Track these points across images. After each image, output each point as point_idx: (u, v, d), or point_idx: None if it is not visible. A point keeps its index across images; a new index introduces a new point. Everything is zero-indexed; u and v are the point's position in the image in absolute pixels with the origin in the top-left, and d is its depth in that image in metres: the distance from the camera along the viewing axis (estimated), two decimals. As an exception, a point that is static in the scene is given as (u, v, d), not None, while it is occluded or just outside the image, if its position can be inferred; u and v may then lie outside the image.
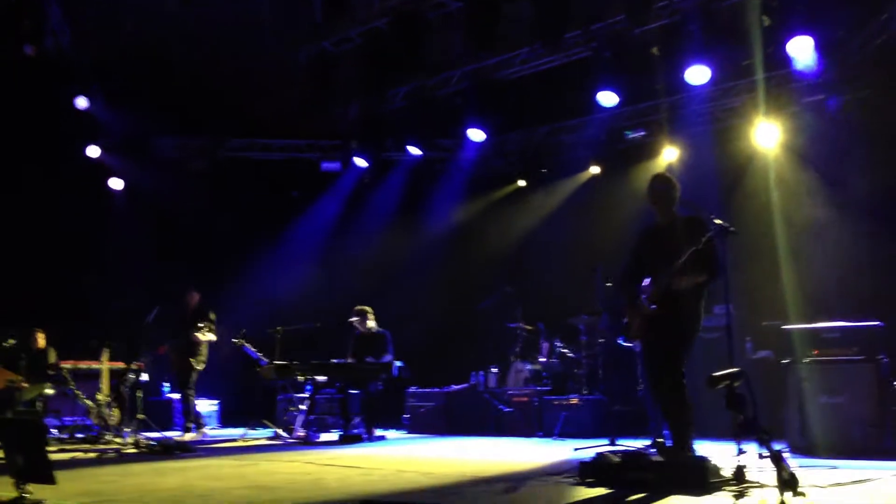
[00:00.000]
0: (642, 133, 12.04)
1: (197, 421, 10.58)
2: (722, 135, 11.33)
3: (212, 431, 11.94)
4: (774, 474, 2.45)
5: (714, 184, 10.76)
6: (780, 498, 2.43)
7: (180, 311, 10.65)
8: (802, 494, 2.37)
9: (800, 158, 10.48)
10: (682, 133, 11.48)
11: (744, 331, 9.16)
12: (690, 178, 10.68)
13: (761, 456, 2.43)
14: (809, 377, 7.21)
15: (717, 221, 5.66)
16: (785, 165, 10.57)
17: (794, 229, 9.88)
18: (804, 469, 5.92)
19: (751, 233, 9.86)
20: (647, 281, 6.03)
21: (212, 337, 10.48)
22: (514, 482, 5.70)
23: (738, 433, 5.10)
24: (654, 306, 5.74)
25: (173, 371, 10.61)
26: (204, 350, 10.52)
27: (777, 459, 2.37)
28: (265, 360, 10.02)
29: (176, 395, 10.64)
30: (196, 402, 10.88)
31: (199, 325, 10.30)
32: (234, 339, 10.16)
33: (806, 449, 7.00)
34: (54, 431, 10.55)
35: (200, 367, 10.42)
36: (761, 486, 4.66)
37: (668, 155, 11.62)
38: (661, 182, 6.03)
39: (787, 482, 2.34)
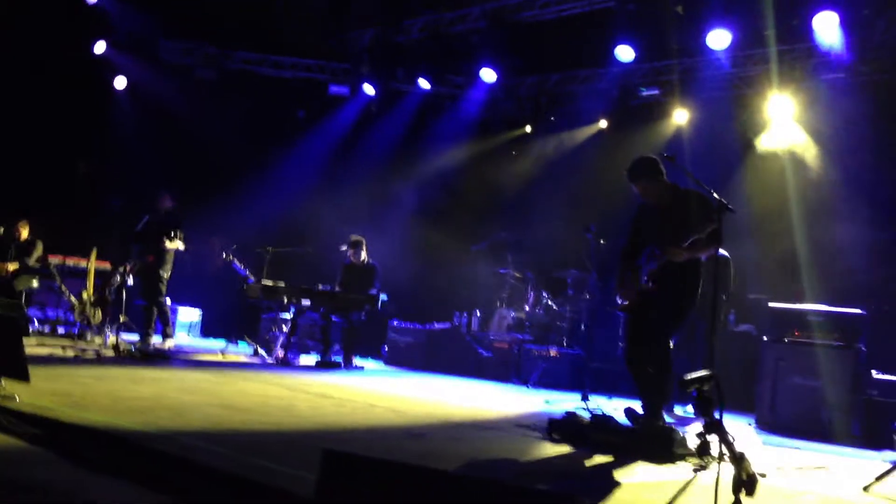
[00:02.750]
0: (655, 92, 11.88)
1: (165, 331, 10.42)
2: (735, 103, 11.19)
3: (192, 341, 12.04)
4: (742, 456, 2.47)
5: (721, 152, 10.67)
6: (742, 480, 2.44)
7: (154, 216, 10.21)
8: (754, 494, 2.41)
9: (811, 135, 10.37)
10: (695, 97, 11.33)
11: (729, 303, 9.18)
12: (699, 143, 10.61)
13: (722, 457, 2.46)
14: (787, 356, 7.25)
15: (716, 197, 5.59)
16: (795, 141, 10.46)
17: (798, 207, 9.83)
18: (768, 447, 6.03)
19: (752, 205, 9.85)
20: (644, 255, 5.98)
21: (179, 245, 10.09)
22: (481, 429, 5.77)
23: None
24: (651, 283, 5.69)
25: (139, 277, 10.17)
26: (170, 258, 10.19)
27: (738, 462, 2.40)
28: (252, 278, 10.03)
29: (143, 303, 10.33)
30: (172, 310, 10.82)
31: (171, 233, 10.00)
32: (223, 254, 10.13)
33: (773, 426, 7.10)
34: (36, 324, 10.63)
35: (166, 275, 10.14)
36: (722, 460, 4.74)
37: (679, 117, 11.49)
38: (644, 171, 5.87)
39: (741, 484, 2.36)
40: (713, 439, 3.45)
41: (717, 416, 2.65)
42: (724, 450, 2.54)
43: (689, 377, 2.76)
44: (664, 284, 5.65)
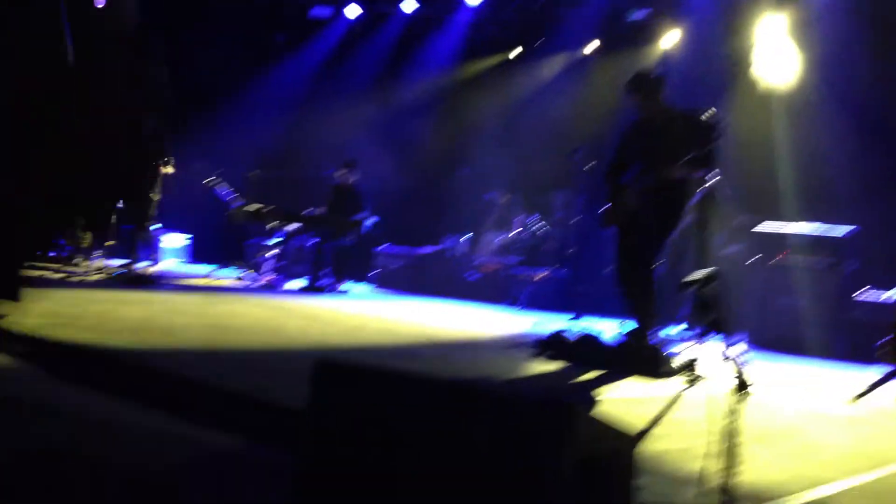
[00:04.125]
0: (647, 12, 11.64)
1: (152, 255, 10.32)
2: (727, 21, 10.97)
3: (181, 267, 12.00)
4: (729, 372, 2.49)
5: (715, 72, 10.53)
6: (730, 395, 2.47)
7: None
8: (748, 394, 2.44)
9: (802, 56, 10.23)
10: (685, 19, 11.12)
11: (718, 225, 9.18)
12: (691, 64, 10.47)
13: (725, 357, 2.47)
14: (773, 278, 7.32)
15: (712, 111, 5.52)
16: (789, 58, 10.31)
17: (786, 129, 9.76)
18: (758, 362, 6.11)
19: (745, 125, 9.77)
20: (626, 177, 5.94)
21: (171, 170, 9.92)
22: (471, 349, 5.81)
23: (692, 323, 5.19)
24: (637, 202, 5.66)
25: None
26: (160, 181, 10.00)
27: (736, 364, 2.41)
28: (239, 202, 9.93)
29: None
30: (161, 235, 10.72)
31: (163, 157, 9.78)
32: (208, 179, 10.00)
33: (761, 343, 7.18)
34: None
35: (156, 197, 9.95)
36: (710, 377, 4.81)
37: (668, 40, 11.30)
38: (646, 81, 5.79)
39: (741, 386, 2.38)
40: (704, 353, 3.47)
41: (719, 315, 2.65)
42: (724, 351, 2.55)
43: (689, 278, 2.75)
44: (651, 204, 5.62)
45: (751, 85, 10.53)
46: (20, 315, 4.75)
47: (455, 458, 2.04)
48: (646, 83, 5.75)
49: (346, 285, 10.40)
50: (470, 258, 11.14)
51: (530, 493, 1.91)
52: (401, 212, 12.31)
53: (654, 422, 3.62)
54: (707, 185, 5.94)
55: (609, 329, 6.13)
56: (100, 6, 9.84)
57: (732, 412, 2.44)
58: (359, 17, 12.65)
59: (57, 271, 8.46)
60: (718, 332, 2.66)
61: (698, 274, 2.72)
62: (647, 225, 5.65)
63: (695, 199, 7.00)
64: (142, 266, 9.48)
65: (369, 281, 11.61)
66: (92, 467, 2.51)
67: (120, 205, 9.64)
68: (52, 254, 10.12)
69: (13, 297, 4.60)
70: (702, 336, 3.04)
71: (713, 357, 3.47)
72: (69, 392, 3.55)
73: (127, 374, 3.74)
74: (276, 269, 10.07)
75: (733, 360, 2.48)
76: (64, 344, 4.12)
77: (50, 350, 4.11)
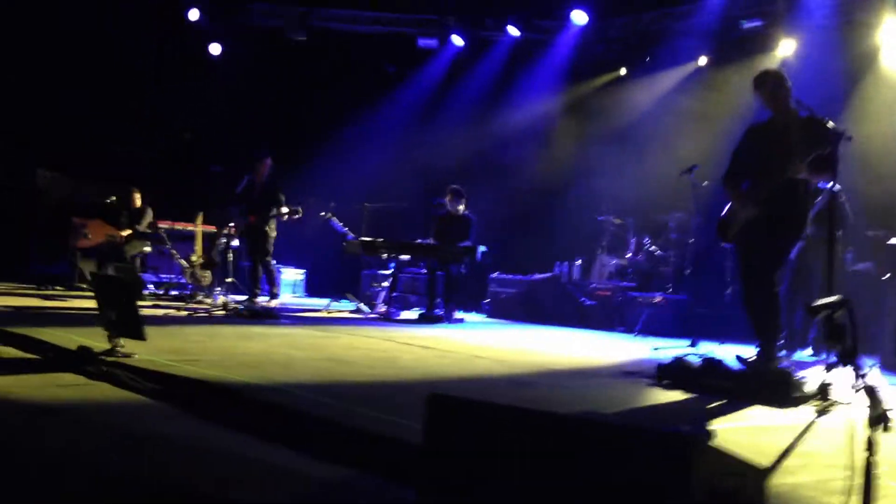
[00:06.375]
0: (758, 23, 11.26)
1: (272, 290, 10.58)
2: (845, 29, 10.50)
3: (297, 300, 12.34)
4: (864, 400, 2.32)
5: (833, 82, 10.06)
6: (866, 424, 2.30)
7: (254, 177, 10.11)
8: (891, 429, 2.25)
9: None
10: (801, 25, 10.70)
11: (847, 240, 8.73)
12: (807, 75, 10.03)
13: (856, 389, 2.31)
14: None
15: (832, 125, 5.27)
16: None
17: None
18: (893, 389, 5.72)
19: (866, 137, 9.27)
20: (745, 185, 5.71)
21: (287, 211, 9.83)
22: (587, 377, 5.68)
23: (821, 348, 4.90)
24: (756, 209, 5.43)
25: (245, 238, 10.23)
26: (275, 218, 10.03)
27: (872, 394, 2.24)
28: (352, 234, 10.14)
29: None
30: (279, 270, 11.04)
31: (281, 199, 9.94)
32: (321, 213, 10.27)
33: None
34: (151, 287, 11.10)
35: (273, 234, 10.16)
36: (842, 403, 4.53)
37: (785, 48, 10.89)
38: (773, 76, 5.62)
39: (879, 418, 2.21)
40: (838, 377, 3.27)
41: (850, 345, 2.48)
42: (856, 382, 2.38)
43: (819, 302, 2.59)
44: (771, 212, 5.36)
45: (876, 92, 10.02)
46: (148, 352, 4.97)
47: (574, 492, 1.98)
48: (771, 78, 5.55)
49: (460, 314, 10.42)
50: (584, 283, 10.97)
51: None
52: (512, 238, 12.27)
53: (785, 453, 3.42)
54: (831, 191, 5.66)
55: (730, 354, 5.88)
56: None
57: (869, 443, 2.27)
58: (465, 45, 12.77)
59: (181, 309, 8.84)
60: (850, 358, 2.49)
61: (829, 298, 2.56)
62: (767, 237, 5.39)
63: (817, 208, 6.68)
64: (261, 301, 9.81)
65: (482, 309, 11.59)
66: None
67: (236, 243, 10.01)
68: (174, 292, 10.61)
69: (137, 335, 4.82)
70: (832, 361, 2.87)
71: (846, 382, 3.26)
72: (194, 426, 3.67)
73: (248, 408, 3.84)
74: (389, 300, 10.19)
75: (868, 386, 2.31)
76: (190, 379, 4.27)
77: (176, 385, 4.27)
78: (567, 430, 2.09)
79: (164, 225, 11.17)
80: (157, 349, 5.20)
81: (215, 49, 13.70)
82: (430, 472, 2.12)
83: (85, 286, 10.10)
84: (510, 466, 2.02)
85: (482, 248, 10.22)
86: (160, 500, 2.63)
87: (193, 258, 10.38)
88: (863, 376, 2.43)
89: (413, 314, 10.31)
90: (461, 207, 10.37)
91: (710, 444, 1.99)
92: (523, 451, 2.03)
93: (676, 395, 4.88)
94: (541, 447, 2.05)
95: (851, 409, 4.28)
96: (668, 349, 7.47)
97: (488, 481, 2.02)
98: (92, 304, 5.49)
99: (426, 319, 9.78)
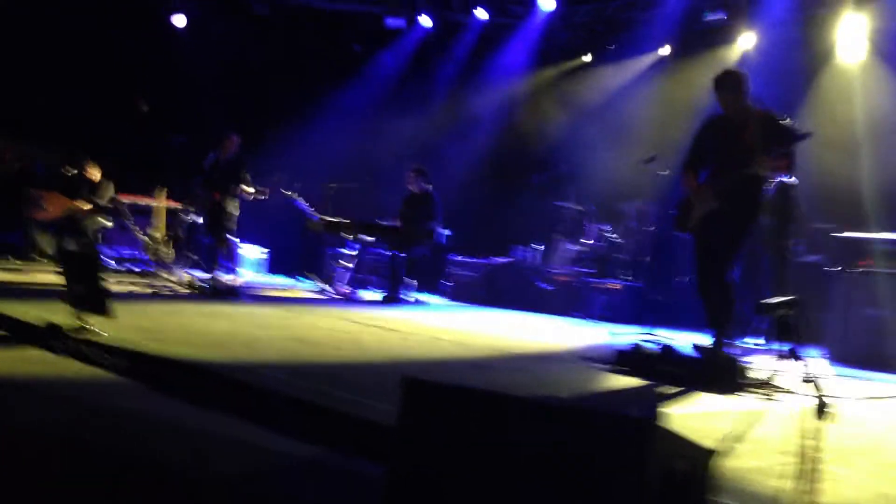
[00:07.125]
0: (721, 15, 11.45)
1: (233, 267, 10.53)
2: (806, 24, 10.73)
3: (260, 278, 12.33)
4: (810, 388, 2.49)
5: (792, 76, 10.30)
6: (810, 411, 2.47)
7: (220, 154, 9.99)
8: (831, 419, 2.42)
9: (883, 57, 9.93)
10: (762, 19, 10.91)
11: (797, 232, 8.98)
12: (767, 68, 10.25)
13: (806, 373, 2.46)
14: (857, 287, 7.12)
15: (789, 122, 5.47)
16: (868, 62, 10.04)
17: (866, 133, 9.49)
18: (840, 378, 5.97)
19: (819, 130, 9.52)
20: (703, 176, 5.89)
21: (251, 190, 9.85)
22: (546, 362, 5.85)
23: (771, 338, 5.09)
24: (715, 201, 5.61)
25: (206, 214, 10.05)
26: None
27: (817, 384, 2.41)
28: (317, 215, 10.16)
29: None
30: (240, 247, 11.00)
31: (246, 177, 9.96)
32: (286, 192, 10.26)
33: (845, 358, 6.98)
34: (111, 262, 10.99)
35: (236, 211, 10.09)
36: (789, 392, 4.75)
37: (745, 41, 11.10)
38: (734, 78, 5.77)
39: (822, 407, 2.38)
40: (787, 367, 3.44)
41: (797, 342, 2.65)
42: (804, 372, 2.54)
43: (770, 301, 2.75)
44: (727, 205, 5.54)
45: (831, 86, 10.28)
46: (116, 330, 5.00)
47: (537, 474, 2.10)
48: (731, 79, 5.72)
49: (421, 296, 10.52)
50: (542, 268, 11.13)
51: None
52: (473, 221, 12.38)
53: (732, 437, 3.60)
54: (781, 182, 5.85)
55: (684, 340, 6.09)
56: None
57: (812, 430, 2.44)
58: (432, 27, 12.80)
59: (145, 286, 8.82)
60: (798, 349, 2.66)
61: (779, 298, 2.72)
62: (723, 228, 5.56)
63: (770, 195, 6.84)
64: (226, 279, 9.80)
65: (442, 292, 11.71)
66: (187, 481, 2.67)
67: (199, 219, 9.96)
68: (136, 269, 10.54)
69: (101, 311, 4.84)
70: (782, 351, 3.04)
71: (793, 370, 3.43)
72: (165, 403, 3.74)
73: (217, 386, 3.92)
74: (351, 281, 10.25)
75: (814, 376, 2.48)
76: (159, 357, 4.33)
77: (144, 363, 4.32)
78: (530, 413, 2.21)
79: (125, 199, 11.03)
80: (123, 326, 5.22)
81: (179, 20, 13.53)
82: (403, 452, 2.24)
83: (41, 258, 9.97)
84: (479, 448, 2.14)
85: (446, 232, 10.32)
86: (135, 472, 2.71)
87: (156, 234, 10.31)
88: (811, 361, 2.60)
89: (376, 295, 10.39)
90: (424, 184, 10.37)
91: (663, 427, 2.10)
92: (492, 433, 2.16)
93: (633, 381, 5.06)
94: (507, 430, 2.17)
95: (799, 398, 4.48)
96: (624, 335, 7.67)
97: (459, 462, 2.14)
98: (51, 277, 5.51)
99: (388, 301, 9.87)
